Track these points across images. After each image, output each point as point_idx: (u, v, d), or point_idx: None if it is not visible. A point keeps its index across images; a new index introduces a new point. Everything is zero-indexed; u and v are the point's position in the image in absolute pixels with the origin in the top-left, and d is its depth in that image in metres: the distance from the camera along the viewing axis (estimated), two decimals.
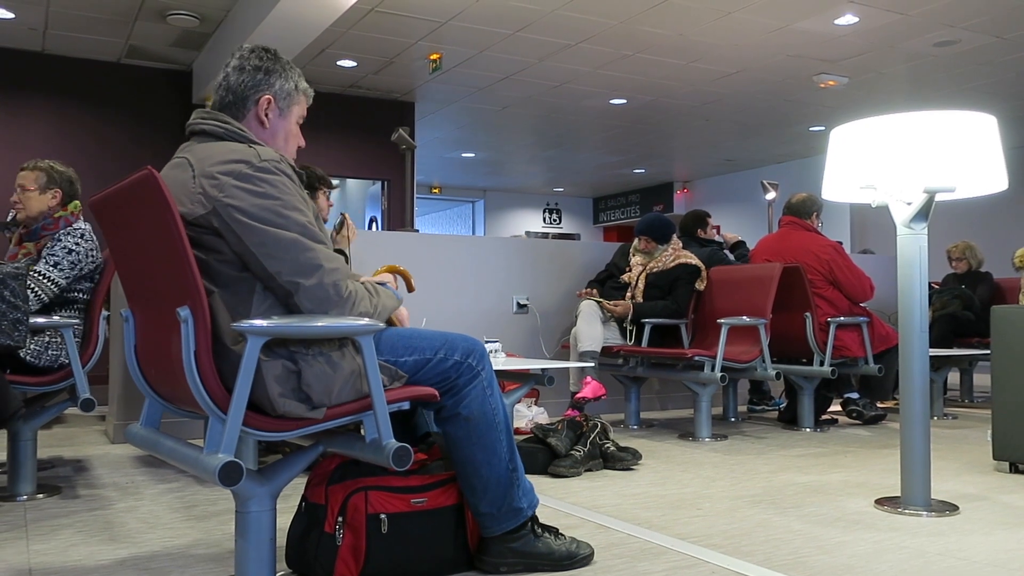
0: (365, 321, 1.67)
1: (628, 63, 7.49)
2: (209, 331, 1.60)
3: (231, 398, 1.57)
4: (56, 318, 2.81)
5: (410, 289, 2.45)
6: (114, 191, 1.77)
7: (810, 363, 4.54)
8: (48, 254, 2.96)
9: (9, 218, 3.23)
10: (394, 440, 1.67)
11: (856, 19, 6.40)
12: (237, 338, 1.63)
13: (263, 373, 1.60)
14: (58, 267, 2.94)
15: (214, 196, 1.67)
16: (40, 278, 2.91)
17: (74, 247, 2.98)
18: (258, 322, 1.58)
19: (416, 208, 9.64)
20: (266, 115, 1.90)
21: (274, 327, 1.59)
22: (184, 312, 1.57)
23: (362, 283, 1.84)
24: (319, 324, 1.64)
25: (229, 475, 1.53)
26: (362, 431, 1.76)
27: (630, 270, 4.75)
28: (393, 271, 2.28)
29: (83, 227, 3.07)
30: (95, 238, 3.08)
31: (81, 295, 3.06)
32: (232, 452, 1.56)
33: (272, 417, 1.65)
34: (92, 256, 3.04)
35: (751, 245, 5.26)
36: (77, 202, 3.17)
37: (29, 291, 2.84)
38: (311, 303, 1.70)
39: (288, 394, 1.63)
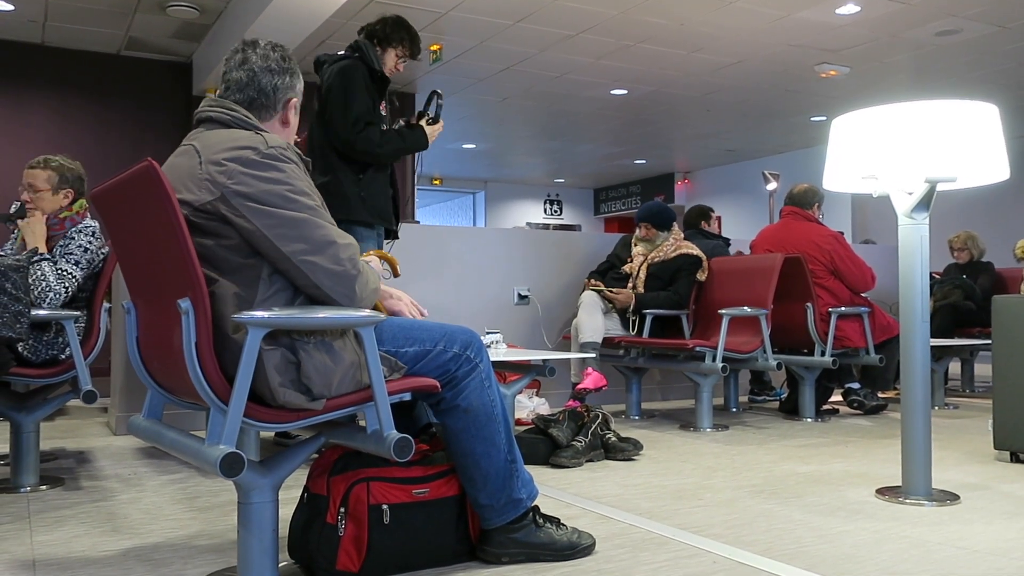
0: (367, 313, 1.67)
1: (629, 53, 7.46)
2: (210, 322, 1.60)
3: (232, 389, 1.57)
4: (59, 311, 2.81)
5: (395, 275, 2.46)
6: (115, 183, 1.77)
7: (811, 353, 4.55)
8: (66, 252, 2.94)
9: (13, 210, 3.21)
10: (395, 431, 1.67)
11: (857, 8, 6.37)
12: (238, 327, 1.62)
13: (264, 362, 1.60)
14: (78, 265, 2.93)
15: (221, 183, 1.67)
16: (67, 275, 2.90)
17: (88, 245, 2.97)
18: (259, 314, 1.58)
19: (417, 199, 9.63)
20: (289, 116, 1.95)
21: (275, 318, 1.59)
22: (185, 304, 1.57)
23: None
24: (320, 316, 1.64)
25: (231, 466, 1.53)
26: (361, 422, 1.76)
27: (631, 261, 4.75)
28: (380, 256, 2.28)
29: (92, 224, 3.05)
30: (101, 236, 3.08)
31: (83, 292, 3.05)
32: (233, 443, 1.56)
33: (272, 408, 1.65)
34: (102, 254, 3.03)
35: (752, 236, 5.26)
36: (83, 200, 3.13)
37: (61, 285, 2.84)
38: (329, 279, 1.70)
39: (288, 384, 1.63)
